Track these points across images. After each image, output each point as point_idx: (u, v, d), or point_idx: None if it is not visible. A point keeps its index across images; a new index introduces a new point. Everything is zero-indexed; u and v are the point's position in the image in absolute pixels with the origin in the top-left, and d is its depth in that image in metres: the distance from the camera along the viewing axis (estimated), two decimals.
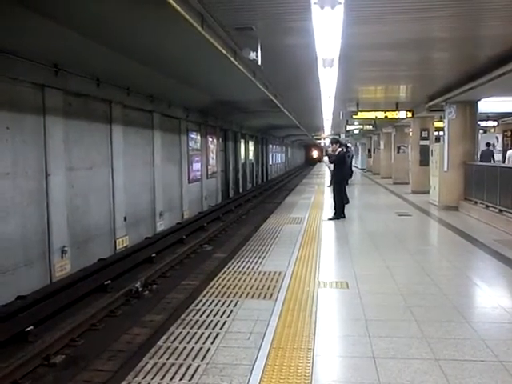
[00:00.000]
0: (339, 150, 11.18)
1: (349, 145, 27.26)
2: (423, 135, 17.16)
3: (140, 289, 8.49)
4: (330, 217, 10.86)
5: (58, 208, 8.77)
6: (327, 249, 7.75)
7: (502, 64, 8.12)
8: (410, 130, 18.95)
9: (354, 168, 24.55)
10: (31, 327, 6.46)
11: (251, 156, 31.60)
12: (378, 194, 17.65)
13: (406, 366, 3.54)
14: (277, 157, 47.36)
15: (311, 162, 68.83)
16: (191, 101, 15.83)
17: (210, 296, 5.25)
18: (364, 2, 5.42)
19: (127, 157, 11.83)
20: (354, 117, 15.02)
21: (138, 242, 12.08)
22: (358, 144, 40.75)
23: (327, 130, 31.88)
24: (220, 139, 22.20)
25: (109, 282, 8.69)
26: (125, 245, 11.40)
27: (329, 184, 10.74)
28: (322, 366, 3.53)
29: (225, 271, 6.33)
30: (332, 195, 11.27)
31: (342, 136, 33.40)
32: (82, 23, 7.09)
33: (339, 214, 10.86)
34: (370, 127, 19.92)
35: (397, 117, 15.14)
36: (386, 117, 15.02)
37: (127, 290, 8.29)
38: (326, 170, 34.32)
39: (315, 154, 75.57)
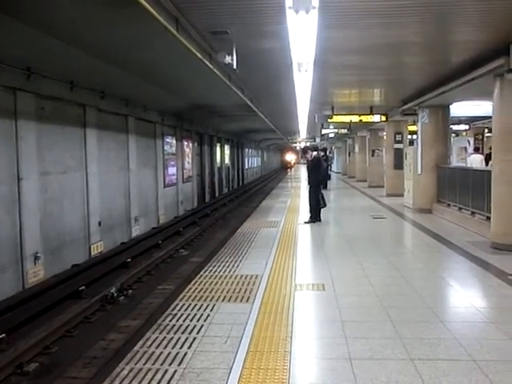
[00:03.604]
0: (314, 153, 11.29)
1: (328, 151, 27.67)
2: (397, 139, 17.41)
3: (115, 294, 8.40)
4: (306, 220, 10.93)
5: (31, 213, 8.64)
6: (303, 252, 7.80)
7: (473, 68, 8.26)
8: (384, 133, 19.20)
9: (330, 172, 24.80)
10: (3, 335, 6.35)
11: (227, 160, 31.65)
12: (353, 197, 17.85)
13: (382, 366, 3.57)
14: (253, 161, 47.54)
15: (287, 166, 69.40)
16: (167, 104, 15.77)
17: (186, 300, 5.22)
18: (338, 6, 5.46)
19: (102, 161, 11.73)
20: (329, 120, 15.13)
21: (113, 247, 11.95)
22: (333, 148, 41.10)
23: (303, 133, 32.09)
24: (196, 143, 22.13)
25: (83, 287, 8.57)
26: (100, 250, 11.27)
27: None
28: (299, 369, 3.54)
29: (201, 275, 6.30)
30: (308, 199, 11.33)
31: (318, 140, 33.79)
32: (55, 26, 7.00)
33: (315, 217, 10.93)
34: (345, 131, 20.12)
35: (371, 120, 15.31)
36: (360, 120, 15.17)
37: (102, 296, 8.19)
38: (302, 174, 34.52)
39: (291, 157, 76.49)
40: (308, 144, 32.31)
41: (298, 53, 7.06)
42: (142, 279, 9.86)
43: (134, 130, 13.93)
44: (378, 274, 6.27)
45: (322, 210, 11.13)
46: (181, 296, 5.40)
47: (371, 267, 6.64)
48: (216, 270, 6.55)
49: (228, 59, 6.70)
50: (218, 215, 19.42)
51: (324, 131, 20.32)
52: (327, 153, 25.57)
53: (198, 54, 6.83)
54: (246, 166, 42.12)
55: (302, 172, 38.04)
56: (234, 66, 6.93)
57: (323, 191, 11.71)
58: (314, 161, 11.18)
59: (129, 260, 10.91)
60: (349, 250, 7.82)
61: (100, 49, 8.39)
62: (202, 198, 23.02)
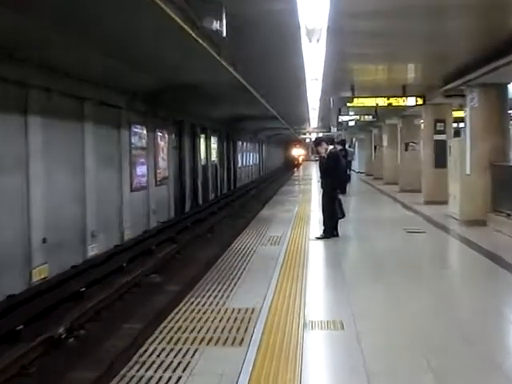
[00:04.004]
0: (329, 147, 11.32)
1: (347, 144, 27.91)
2: (438, 128, 17.39)
3: (64, 335, 8.31)
4: (319, 235, 10.96)
5: None
6: (315, 277, 7.83)
7: None
8: (421, 121, 19.20)
9: (350, 171, 24.98)
10: None
11: (214, 156, 31.63)
12: (380, 204, 17.95)
13: None
14: (248, 157, 47.75)
15: (294, 164, 69.77)
16: (136, 85, 15.81)
17: (159, 343, 5.20)
18: None
19: (48, 158, 11.71)
20: (349, 104, 15.17)
21: (61, 271, 11.88)
22: (354, 140, 41.22)
23: (314, 121, 32.18)
24: (173, 134, 22.16)
25: (21, 327, 8.48)
26: (43, 276, 11.22)
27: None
28: None
29: (179, 309, 6.30)
30: (321, 207, 11.36)
31: (333, 130, 33.86)
32: None
33: (330, 231, 10.96)
34: (370, 118, 20.11)
35: (404, 104, 15.30)
36: (389, 104, 15.15)
37: (46, 338, 8.09)
38: (314, 174, 34.62)
39: (299, 152, 77.12)
40: (321, 135, 32.34)
41: (307, 16, 6.95)
42: (99, 315, 9.78)
43: (92, 117, 13.92)
44: (416, 309, 6.26)
45: (339, 221, 11.20)
46: (152, 338, 5.37)
47: (405, 298, 6.64)
48: (199, 303, 6.56)
49: (216, 25, 6.69)
50: (202, 229, 19.42)
51: (342, 118, 20.36)
52: (346, 146, 25.57)
53: (178, 20, 6.85)
54: (240, 164, 42.17)
55: (314, 171, 38.04)
56: (224, 34, 6.90)
57: (341, 197, 11.72)
58: (329, 157, 11.19)
59: (82, 289, 10.84)
60: (375, 275, 7.85)
61: (46, 12, 8.33)
62: (180, 206, 22.99)
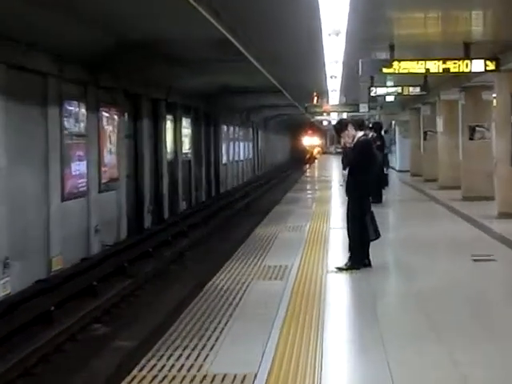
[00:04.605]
0: (358, 134, 11.26)
1: (384, 129, 27.99)
2: None
3: None
4: (342, 265, 10.92)
5: None
6: (338, 330, 7.80)
7: None
8: (494, 95, 19.09)
9: (387, 169, 24.61)
10: None
11: (187, 147, 31.62)
12: (433, 219, 17.85)
13: None
14: (237, 149, 47.79)
15: (305, 158, 69.64)
16: (71, 42, 15.76)
17: None
18: None
19: None
20: (386, 71, 15.17)
21: None
22: (393, 124, 41.11)
23: (334, 96, 32.01)
24: (125, 115, 22.13)
25: None
26: None
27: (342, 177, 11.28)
28: None
29: (134, 377, 6.23)
30: (346, 223, 11.31)
31: (363, 108, 33.54)
32: None
33: (359, 259, 10.92)
34: (417, 91, 20.10)
35: (467, 70, 15.18)
36: (446, 70, 15.03)
37: None
38: (335, 173, 34.45)
39: (313, 142, 77.14)
40: (345, 117, 32.20)
41: None
42: None
43: (4, 88, 13.83)
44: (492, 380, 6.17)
45: (372, 244, 11.12)
46: None
47: (477, 365, 6.53)
48: (165, 366, 6.54)
49: None
50: (169, 256, 19.33)
51: (376, 91, 20.20)
52: (383, 132, 25.46)
53: None
54: (225, 160, 42.11)
55: (334, 170, 37.83)
56: None
57: (374, 208, 11.62)
58: (356, 148, 11.12)
59: None
60: (427, 328, 7.78)
61: None
62: (136, 222, 23.00)
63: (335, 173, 35.59)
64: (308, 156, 73.27)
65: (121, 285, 15.60)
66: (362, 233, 11.02)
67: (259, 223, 18.56)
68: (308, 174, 43.51)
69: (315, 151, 76.87)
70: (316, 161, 62.22)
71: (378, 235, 11.17)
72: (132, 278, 16.41)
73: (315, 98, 35.50)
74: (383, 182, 20.15)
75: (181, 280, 16.40)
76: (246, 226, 23.34)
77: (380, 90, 20.60)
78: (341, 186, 12.00)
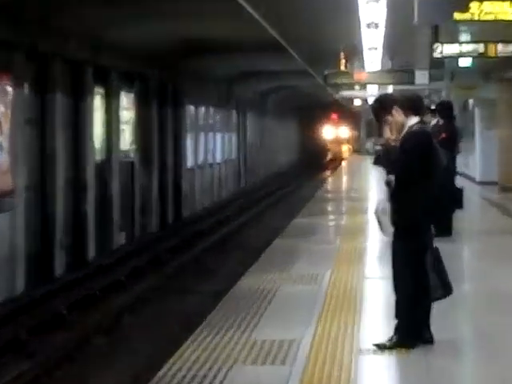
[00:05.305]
0: (411, 122, 8.69)
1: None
2: None
3: None
4: (385, 340, 8.65)
5: None
6: None
7: None
8: None
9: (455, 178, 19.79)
10: None
11: (127, 141, 25.09)
12: None
13: None
14: (211, 144, 37.41)
15: (325, 160, 61.20)
16: None
17: None
18: None
19: None
20: (459, 17, 13.21)
21: None
22: (470, 105, 34.96)
23: (374, 59, 26.51)
24: (25, 88, 18.46)
25: None
26: None
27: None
28: None
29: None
30: (391, 272, 8.73)
31: (421, 81, 28.44)
32: None
33: (412, 330, 8.60)
34: (511, 49, 17.27)
35: None
36: None
37: None
38: (369, 184, 31.17)
39: (338, 133, 65.80)
40: (390, 92, 27.94)
41: None
42: None
43: None
44: None
45: (436, 303, 8.83)
46: None
47: None
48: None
49: None
50: (89, 329, 15.87)
51: (443, 51, 17.31)
52: (453, 117, 19.09)
53: None
54: (191, 162, 32.99)
55: (371, 177, 33.99)
56: None
57: (440, 244, 9.01)
58: (408, 144, 8.50)
59: None
60: None
61: None
62: (41, 266, 19.04)
63: (373, 185, 31.70)
64: (330, 157, 63.21)
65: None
66: (418, 287, 8.48)
67: (246, 270, 15.40)
68: (329, 188, 37.50)
69: (343, 150, 64.78)
70: (343, 164, 53.56)
71: (447, 291, 8.81)
72: (32, 358, 13.51)
73: (342, 62, 28.22)
74: (454, 201, 15.57)
75: (110, 370, 13.39)
76: (224, 274, 20.36)
77: (449, 49, 17.61)
78: (380, 207, 8.93)
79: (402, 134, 8.59)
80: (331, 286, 12.43)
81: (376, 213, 9.32)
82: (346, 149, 62.77)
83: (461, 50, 17.91)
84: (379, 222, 9.01)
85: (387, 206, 9.03)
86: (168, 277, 20.74)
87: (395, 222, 8.67)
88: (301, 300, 11.40)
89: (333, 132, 65.33)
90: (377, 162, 8.75)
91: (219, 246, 26.02)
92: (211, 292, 17.33)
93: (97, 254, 21.75)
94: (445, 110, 16.93)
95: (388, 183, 8.68)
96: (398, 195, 8.66)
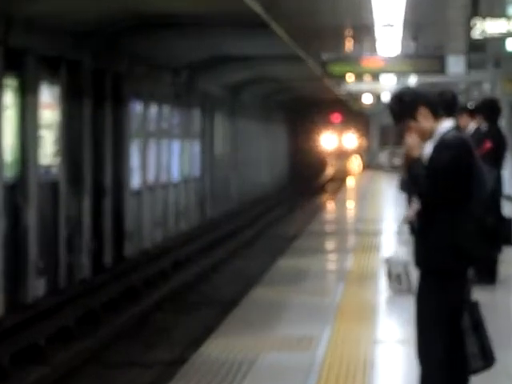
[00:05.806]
0: (444, 126, 7.25)
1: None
2: None
3: None
4: None
5: None
6: None
7: None
8: None
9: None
10: None
11: (49, 151, 20.79)
12: None
13: None
14: (166, 156, 31.30)
15: (322, 175, 54.20)
16: None
17: None
18: None
19: None
20: None
21: None
22: None
23: (389, 40, 22.45)
24: None
25: None
26: None
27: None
28: None
29: None
30: (417, 336, 7.44)
31: (455, 69, 25.51)
32: None
33: None
34: None
35: None
36: None
37: None
38: (385, 210, 28.23)
39: (345, 143, 56.52)
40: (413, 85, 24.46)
41: None
42: None
43: None
44: None
45: (475, 378, 7.64)
46: None
47: None
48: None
49: None
50: None
51: (484, 29, 15.27)
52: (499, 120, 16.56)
53: None
54: (137, 181, 27.83)
55: (387, 202, 31.10)
56: None
57: (482, 294, 8.25)
58: (440, 159, 7.21)
59: None
60: None
61: None
62: None
63: (389, 213, 28.95)
64: (330, 174, 53.67)
65: None
66: (450, 355, 7.11)
67: (212, 331, 12.95)
68: (328, 217, 31.56)
69: (347, 163, 54.76)
70: (347, 183, 45.72)
71: (488, 361, 7.18)
72: None
73: (347, 43, 24.14)
74: (500, 236, 11.30)
75: None
76: (181, 338, 17.11)
77: (493, 27, 15.60)
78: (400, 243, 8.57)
79: (435, 143, 6.98)
80: (330, 353, 10.38)
81: (387, 262, 8.38)
82: (355, 163, 53.66)
83: (509, 29, 15.76)
84: (396, 277, 8.03)
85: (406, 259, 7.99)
86: (103, 344, 16.52)
87: (420, 266, 7.18)
88: (288, 373, 9.12)
89: (334, 140, 56.61)
90: (403, 188, 7.20)
91: (175, 299, 21.80)
92: (162, 363, 14.63)
93: (6, 309, 17.24)
94: (488, 110, 14.24)
95: (409, 222, 6.82)
96: (423, 229, 7.17)
